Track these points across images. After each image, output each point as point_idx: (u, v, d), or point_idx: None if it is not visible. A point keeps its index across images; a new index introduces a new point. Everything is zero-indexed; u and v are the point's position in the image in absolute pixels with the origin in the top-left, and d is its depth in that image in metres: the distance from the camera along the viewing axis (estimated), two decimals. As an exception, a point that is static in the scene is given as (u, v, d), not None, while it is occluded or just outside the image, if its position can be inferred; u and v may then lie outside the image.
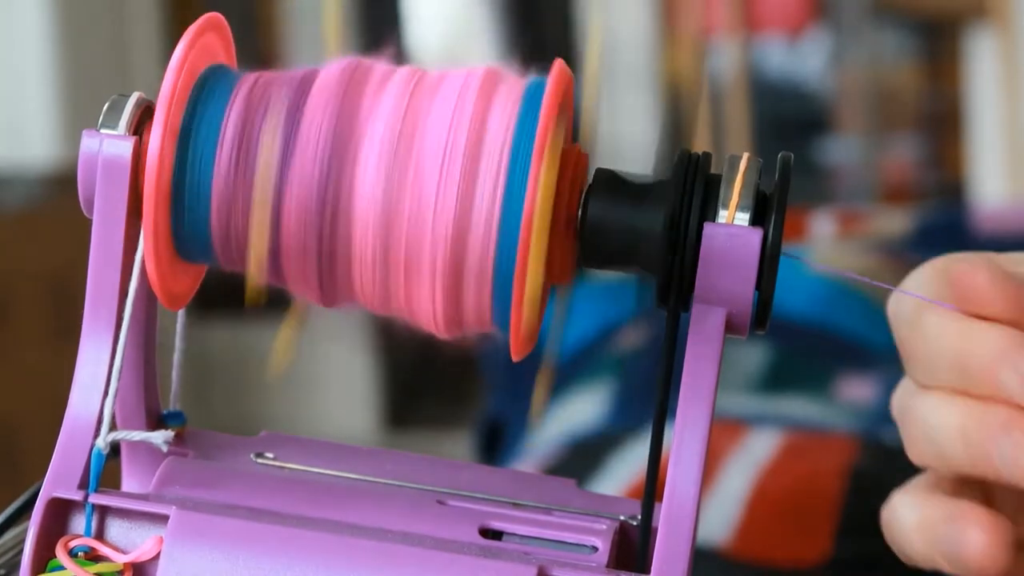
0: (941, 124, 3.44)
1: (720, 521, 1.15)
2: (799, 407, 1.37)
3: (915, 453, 0.54)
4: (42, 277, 2.37)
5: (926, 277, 0.55)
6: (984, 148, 3.19)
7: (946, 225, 1.66)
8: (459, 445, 2.44)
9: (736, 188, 0.51)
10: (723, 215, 0.51)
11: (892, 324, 0.54)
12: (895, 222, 1.70)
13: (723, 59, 3.29)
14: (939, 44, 3.42)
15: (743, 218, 0.51)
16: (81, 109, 2.65)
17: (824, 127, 3.46)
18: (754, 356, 1.46)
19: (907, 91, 3.50)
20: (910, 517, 0.53)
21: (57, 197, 2.44)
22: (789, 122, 3.43)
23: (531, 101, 0.52)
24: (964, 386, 0.52)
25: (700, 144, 0.52)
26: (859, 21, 3.40)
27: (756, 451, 1.23)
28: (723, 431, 1.26)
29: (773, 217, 0.51)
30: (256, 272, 0.52)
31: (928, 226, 1.66)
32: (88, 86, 2.68)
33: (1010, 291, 0.51)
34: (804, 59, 3.50)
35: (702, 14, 3.29)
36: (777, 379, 1.45)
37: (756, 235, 0.51)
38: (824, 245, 1.68)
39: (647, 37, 3.19)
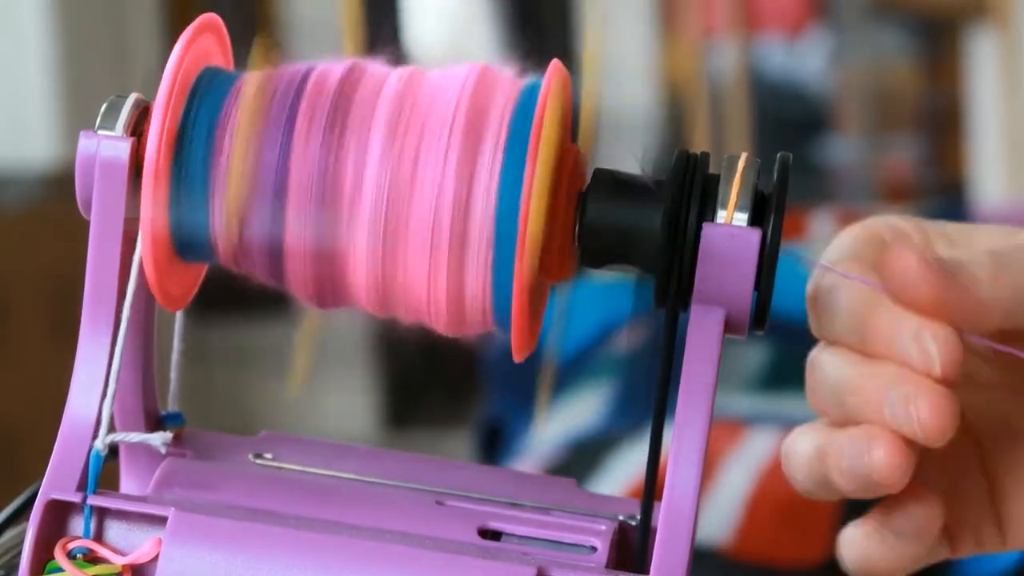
0: (941, 124, 3.44)
1: (720, 521, 1.15)
2: (799, 407, 1.36)
3: (814, 401, 0.55)
4: (42, 277, 2.37)
5: (851, 240, 0.57)
6: (984, 148, 3.19)
7: (946, 225, 1.65)
8: (459, 445, 2.44)
9: (734, 188, 0.51)
10: (722, 215, 0.51)
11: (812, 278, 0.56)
12: (895, 222, 1.70)
13: (723, 59, 3.29)
14: (939, 43, 3.42)
15: (742, 218, 0.51)
16: (81, 109, 2.65)
17: (824, 127, 3.46)
18: (754, 356, 1.46)
19: (907, 91, 3.50)
20: (808, 444, 0.55)
21: (57, 197, 2.44)
22: (789, 122, 3.43)
23: (527, 100, 0.52)
24: (862, 346, 0.53)
25: (699, 144, 0.52)
26: (859, 21, 3.40)
27: (756, 451, 1.24)
28: (723, 431, 1.26)
29: (772, 217, 0.51)
30: (228, 255, 0.53)
31: (928, 226, 1.66)
32: (88, 86, 2.68)
33: (937, 279, 0.52)
34: (804, 59, 3.50)
35: (702, 14, 3.29)
36: (777, 379, 1.45)
37: (755, 235, 0.51)
38: (824, 245, 1.68)
39: (647, 37, 3.19)
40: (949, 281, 0.52)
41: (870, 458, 0.52)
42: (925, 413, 0.51)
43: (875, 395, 0.52)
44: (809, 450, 0.54)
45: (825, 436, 0.54)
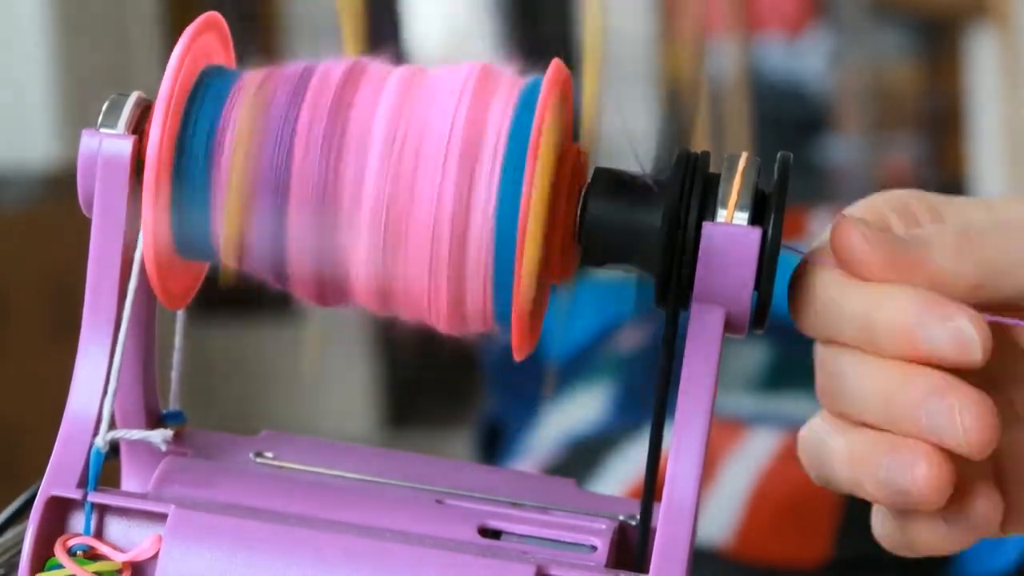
0: (941, 124, 3.44)
1: (720, 521, 1.15)
2: (799, 407, 1.37)
3: (828, 402, 0.53)
4: (42, 277, 2.37)
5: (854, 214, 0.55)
6: (984, 148, 3.19)
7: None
8: (459, 445, 2.44)
9: (735, 187, 0.51)
10: (722, 214, 0.51)
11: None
12: (895, 222, 1.70)
13: (723, 59, 3.29)
14: (939, 43, 3.42)
15: (742, 217, 0.51)
16: (81, 109, 2.65)
17: (824, 127, 3.47)
18: (754, 356, 1.46)
19: (907, 91, 3.50)
20: (838, 445, 0.53)
21: (57, 197, 2.44)
22: (789, 122, 3.43)
23: (528, 99, 0.52)
24: (872, 347, 0.52)
25: (699, 144, 0.52)
26: (859, 21, 3.40)
27: (756, 451, 1.24)
28: (723, 431, 1.26)
29: (772, 216, 0.51)
30: (229, 254, 0.52)
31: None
32: (88, 86, 2.68)
33: (885, 252, 0.51)
34: (804, 59, 3.50)
35: (702, 14, 3.29)
36: (777, 379, 1.45)
37: (755, 234, 0.51)
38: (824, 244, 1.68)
39: (647, 37, 3.19)
40: (896, 255, 0.51)
41: (912, 475, 0.50)
42: (971, 425, 0.49)
43: (910, 405, 0.50)
44: (841, 452, 0.52)
45: (860, 441, 0.52)
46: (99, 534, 0.52)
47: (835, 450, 0.53)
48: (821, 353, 0.54)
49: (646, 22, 3.19)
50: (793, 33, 3.50)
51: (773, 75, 3.48)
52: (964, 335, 0.50)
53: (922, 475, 0.50)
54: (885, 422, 0.51)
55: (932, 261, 0.52)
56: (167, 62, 0.52)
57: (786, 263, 0.52)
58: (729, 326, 0.52)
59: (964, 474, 0.51)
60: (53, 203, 2.42)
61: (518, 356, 0.52)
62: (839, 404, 0.53)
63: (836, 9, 3.44)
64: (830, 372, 0.53)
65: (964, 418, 0.50)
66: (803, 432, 0.55)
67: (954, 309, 0.50)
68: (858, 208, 0.55)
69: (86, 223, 0.53)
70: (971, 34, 3.20)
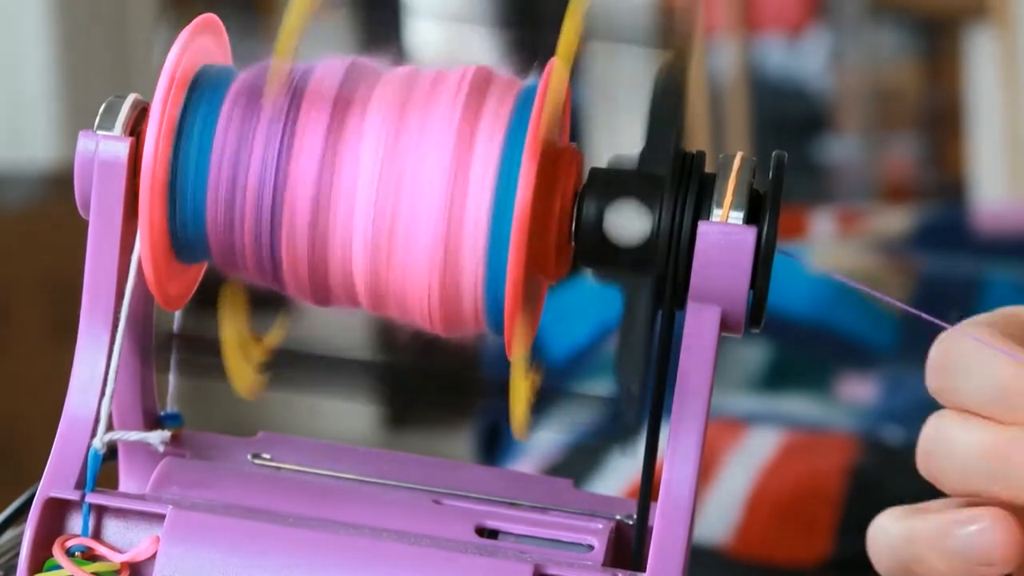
0: (941, 123, 3.44)
1: (720, 521, 1.15)
2: (799, 406, 1.37)
3: (931, 468, 0.53)
4: (42, 277, 2.37)
5: (987, 316, 0.55)
6: (984, 148, 3.19)
7: (946, 225, 1.66)
8: (459, 445, 2.44)
9: (730, 186, 0.51)
10: (717, 214, 0.51)
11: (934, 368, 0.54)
12: (895, 221, 1.70)
13: (723, 59, 3.29)
14: (939, 43, 3.42)
15: (737, 216, 0.51)
16: (81, 109, 2.65)
17: (824, 126, 3.47)
18: (754, 355, 1.46)
19: (907, 90, 3.50)
20: (896, 527, 0.53)
21: (57, 197, 2.44)
22: (789, 122, 3.43)
23: (524, 102, 0.52)
24: (1008, 416, 0.52)
25: (699, 143, 0.52)
26: (859, 20, 3.40)
27: (756, 450, 1.24)
28: (723, 430, 1.26)
29: (767, 215, 0.51)
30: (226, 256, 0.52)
31: (928, 225, 1.66)
32: (88, 86, 2.68)
33: None
34: (804, 58, 3.51)
35: (702, 14, 3.29)
36: (777, 378, 1.45)
37: (750, 233, 0.51)
38: (824, 244, 1.68)
39: (647, 36, 3.19)
40: None
41: (984, 537, 0.50)
42: None
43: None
44: (900, 532, 0.53)
45: (920, 519, 0.52)
46: (97, 535, 0.52)
47: (894, 531, 0.53)
48: (940, 424, 0.53)
49: (646, 22, 3.19)
50: (793, 33, 3.50)
51: (773, 75, 3.48)
52: None
53: (994, 537, 0.50)
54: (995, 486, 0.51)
55: None
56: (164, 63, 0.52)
57: (783, 263, 0.53)
58: (725, 325, 0.52)
59: None
60: (53, 203, 2.42)
61: (511, 356, 0.52)
62: (935, 467, 0.53)
63: (836, 9, 3.44)
64: (941, 439, 0.53)
65: None
66: (869, 529, 0.55)
67: None
68: (991, 315, 0.55)
69: (86, 223, 0.53)
70: (971, 34, 3.20)
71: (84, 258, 0.53)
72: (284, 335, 0.55)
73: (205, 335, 0.55)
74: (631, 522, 0.55)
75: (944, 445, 0.53)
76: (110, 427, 0.53)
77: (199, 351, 0.57)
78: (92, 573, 0.51)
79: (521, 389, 0.51)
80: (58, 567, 0.51)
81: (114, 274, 0.53)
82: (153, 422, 0.58)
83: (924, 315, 0.54)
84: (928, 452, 0.54)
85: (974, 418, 0.52)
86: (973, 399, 0.52)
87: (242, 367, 0.53)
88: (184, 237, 0.53)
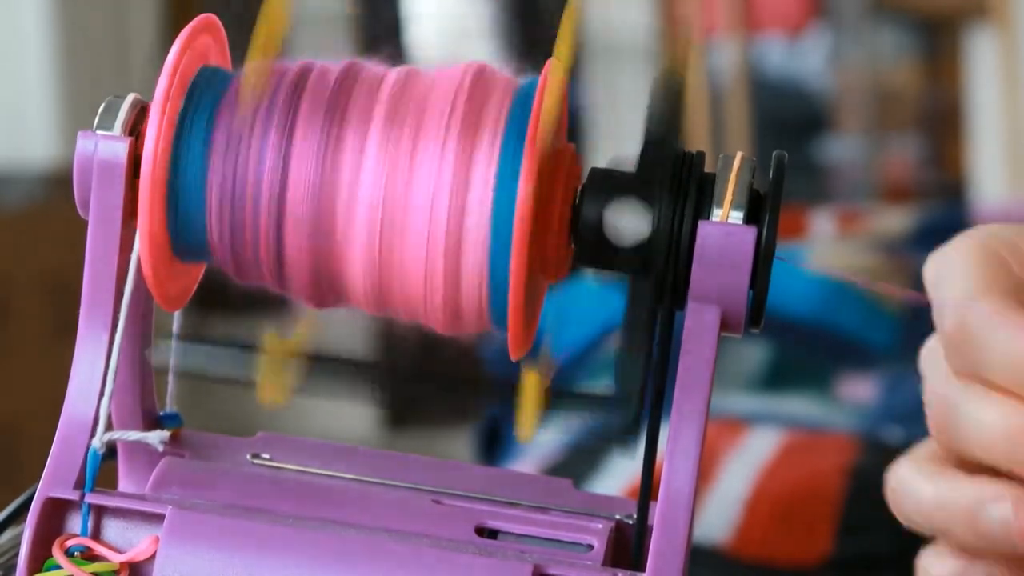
0: (941, 123, 3.44)
1: (720, 520, 1.15)
2: (799, 406, 1.37)
3: (948, 440, 0.52)
4: (42, 277, 2.37)
5: (972, 267, 0.53)
6: (984, 148, 3.19)
7: (946, 224, 1.66)
8: (459, 445, 2.43)
9: (730, 186, 0.51)
10: (717, 213, 0.51)
11: (935, 304, 0.53)
12: (895, 221, 1.71)
13: (723, 59, 3.29)
14: (939, 43, 3.42)
15: (737, 216, 0.51)
16: (81, 109, 2.65)
17: (824, 126, 3.47)
18: (754, 355, 1.46)
19: (907, 90, 3.50)
20: (927, 490, 0.52)
21: (57, 197, 2.44)
22: (789, 122, 3.43)
23: (523, 101, 0.52)
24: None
25: (699, 143, 0.52)
26: (859, 20, 3.40)
27: (756, 450, 1.24)
28: (723, 430, 1.26)
29: (767, 215, 0.51)
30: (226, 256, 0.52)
31: (928, 225, 1.66)
32: (88, 86, 2.68)
33: None
34: (804, 58, 3.51)
35: (702, 14, 3.29)
36: (777, 378, 1.45)
37: (750, 233, 0.51)
38: (824, 244, 1.68)
39: (647, 36, 3.19)
40: None
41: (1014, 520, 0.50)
42: None
43: None
44: (930, 497, 0.52)
45: (948, 486, 0.52)
46: (96, 535, 0.52)
47: (925, 495, 0.52)
48: (961, 395, 0.52)
49: (646, 22, 3.20)
50: (793, 33, 3.50)
51: (773, 75, 3.48)
52: None
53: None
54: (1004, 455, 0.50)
55: None
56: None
57: (784, 263, 0.52)
58: (725, 325, 0.52)
59: None
60: (53, 203, 2.42)
61: (514, 356, 0.52)
62: (954, 439, 0.52)
63: (836, 9, 3.44)
64: (962, 412, 0.52)
65: None
66: (889, 477, 0.54)
67: None
68: (968, 250, 0.54)
69: (86, 223, 0.53)
70: (971, 34, 3.20)
71: (84, 258, 0.53)
72: (306, 339, 0.54)
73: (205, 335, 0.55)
74: (631, 522, 0.55)
75: (969, 421, 0.51)
76: (109, 427, 0.53)
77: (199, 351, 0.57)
78: (91, 573, 0.51)
79: (532, 391, 0.51)
80: (57, 567, 0.51)
81: (113, 274, 0.53)
82: (152, 422, 0.58)
83: (925, 297, 0.53)
84: (944, 423, 0.52)
85: (996, 393, 0.51)
86: (998, 375, 0.51)
87: (274, 374, 0.53)
88: (183, 237, 0.53)
